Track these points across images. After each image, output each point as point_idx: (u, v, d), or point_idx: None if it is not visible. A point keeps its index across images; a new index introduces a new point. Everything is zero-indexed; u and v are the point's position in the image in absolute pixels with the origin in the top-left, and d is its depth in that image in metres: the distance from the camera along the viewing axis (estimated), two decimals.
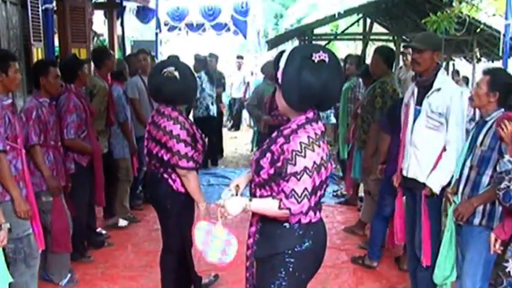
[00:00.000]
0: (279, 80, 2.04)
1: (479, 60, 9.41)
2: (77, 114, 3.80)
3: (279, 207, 2.02)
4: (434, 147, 3.10)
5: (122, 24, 8.02)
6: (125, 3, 8.08)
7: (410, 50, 4.35)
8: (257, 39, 11.81)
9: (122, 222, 4.95)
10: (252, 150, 8.79)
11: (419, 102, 3.17)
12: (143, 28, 12.71)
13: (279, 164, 2.03)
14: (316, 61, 1.98)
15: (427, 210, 3.11)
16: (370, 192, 4.57)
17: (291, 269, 2.12)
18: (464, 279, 2.84)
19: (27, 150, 3.18)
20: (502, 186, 2.28)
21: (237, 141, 10.16)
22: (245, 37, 10.38)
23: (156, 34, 8.61)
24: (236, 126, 11.69)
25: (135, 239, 4.73)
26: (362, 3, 9.44)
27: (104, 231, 4.70)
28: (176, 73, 2.93)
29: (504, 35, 4.38)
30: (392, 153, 3.67)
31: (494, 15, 6.74)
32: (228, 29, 10.14)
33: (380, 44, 9.09)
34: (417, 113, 3.17)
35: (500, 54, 5.10)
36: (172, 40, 15.89)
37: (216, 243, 2.17)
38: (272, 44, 11.30)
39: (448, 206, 3.04)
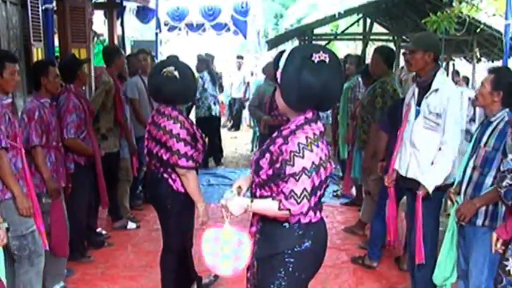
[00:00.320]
0: (279, 80, 2.04)
1: (479, 60, 9.40)
2: (76, 114, 3.79)
3: (279, 208, 2.02)
4: (432, 147, 3.10)
5: (122, 24, 8.01)
6: (125, 3, 8.07)
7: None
8: (257, 39, 11.81)
9: (131, 225, 4.95)
10: (252, 150, 8.81)
11: (419, 103, 3.17)
12: (143, 28, 12.72)
13: (278, 165, 2.03)
14: (316, 61, 1.97)
15: (422, 209, 3.10)
16: (370, 192, 4.57)
17: (290, 269, 2.12)
18: (469, 280, 2.82)
19: (28, 151, 3.17)
20: (504, 184, 2.28)
21: (237, 141, 10.16)
22: (245, 37, 10.38)
23: (156, 34, 8.60)
24: (236, 126, 11.69)
25: (135, 239, 4.72)
26: (362, 3, 9.44)
27: (104, 231, 4.69)
28: (176, 73, 2.93)
29: (504, 35, 4.37)
30: (392, 152, 3.67)
31: (494, 15, 6.73)
32: (228, 29, 10.13)
33: (380, 44, 9.10)
34: (418, 114, 3.17)
35: (501, 54, 5.09)
36: (172, 40, 15.91)
37: (226, 250, 2.12)
38: (272, 44, 11.29)
39: (449, 206, 3.02)
